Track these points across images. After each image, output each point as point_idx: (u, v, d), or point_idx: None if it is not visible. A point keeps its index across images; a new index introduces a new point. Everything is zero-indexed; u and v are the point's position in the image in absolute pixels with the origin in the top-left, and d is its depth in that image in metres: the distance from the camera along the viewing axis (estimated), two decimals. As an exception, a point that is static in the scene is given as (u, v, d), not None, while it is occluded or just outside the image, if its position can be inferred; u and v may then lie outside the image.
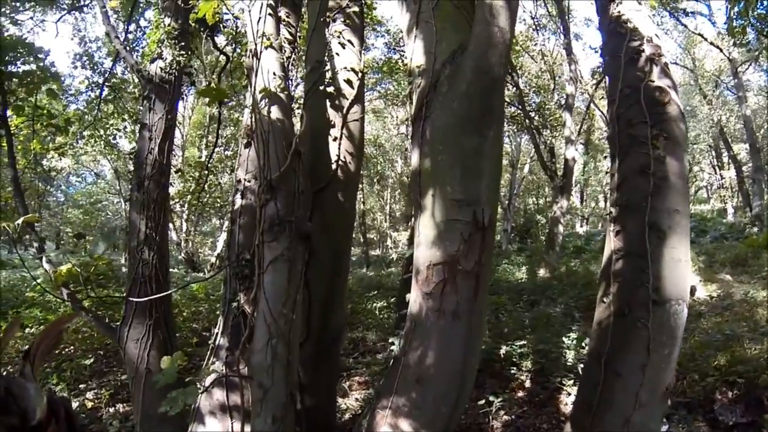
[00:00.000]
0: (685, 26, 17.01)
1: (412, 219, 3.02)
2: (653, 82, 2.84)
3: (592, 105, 18.81)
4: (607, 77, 3.35)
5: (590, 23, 19.56)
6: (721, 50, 16.33)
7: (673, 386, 2.65)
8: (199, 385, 3.01)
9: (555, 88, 17.00)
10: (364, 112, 3.56)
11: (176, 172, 8.00)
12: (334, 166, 3.21)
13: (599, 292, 2.81)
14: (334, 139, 3.26)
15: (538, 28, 15.95)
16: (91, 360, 6.64)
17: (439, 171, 2.28)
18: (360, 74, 3.46)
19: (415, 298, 2.30)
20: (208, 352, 3.40)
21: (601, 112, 21.49)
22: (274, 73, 2.69)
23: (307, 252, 2.80)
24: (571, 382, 5.61)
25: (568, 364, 6.03)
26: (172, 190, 12.81)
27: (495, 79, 2.22)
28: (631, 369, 2.49)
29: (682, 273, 2.60)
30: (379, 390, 2.39)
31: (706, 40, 16.77)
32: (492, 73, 2.18)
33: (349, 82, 3.37)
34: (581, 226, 28.99)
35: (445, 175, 2.26)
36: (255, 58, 2.83)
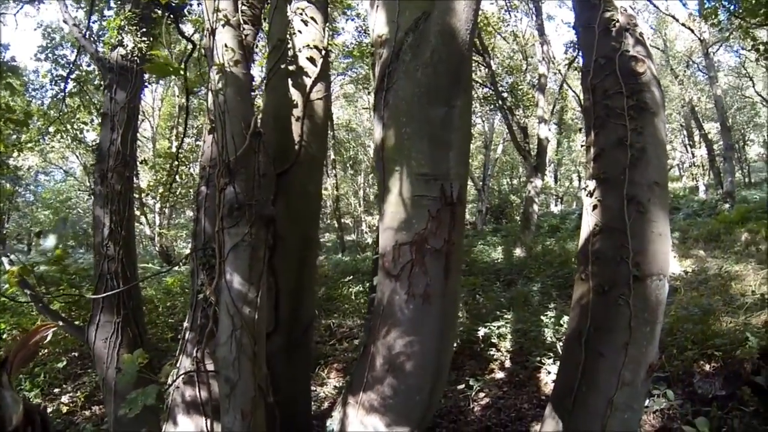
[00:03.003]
0: (657, 7, 17.03)
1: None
2: (628, 51, 2.76)
3: (564, 85, 18.91)
4: (580, 50, 3.26)
5: (563, 4, 19.57)
6: (692, 31, 16.36)
7: (657, 364, 2.56)
8: (170, 382, 2.90)
9: (527, 69, 16.96)
10: (329, 91, 3.40)
11: (141, 162, 7.80)
12: (297, 148, 3.04)
13: (578, 270, 2.71)
14: (297, 119, 3.09)
15: (509, 9, 15.82)
16: (64, 363, 6.45)
17: (403, 144, 2.14)
18: (324, 52, 3.29)
19: (381, 282, 2.16)
20: (178, 348, 3.30)
21: (574, 92, 21.72)
22: (233, 51, 2.52)
23: (271, 237, 2.66)
24: (551, 360, 5.61)
25: (547, 342, 6.04)
26: (143, 183, 12.55)
27: (461, 44, 2.08)
28: (613, 348, 2.40)
29: (663, 247, 2.52)
30: (350, 382, 2.25)
31: (677, 21, 16.79)
32: (458, 38, 2.04)
33: (312, 59, 3.20)
34: (556, 205, 29.40)
35: (411, 149, 2.11)
36: (211, 36, 2.67)
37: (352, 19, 13.67)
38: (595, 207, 2.59)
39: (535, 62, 15.53)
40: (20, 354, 1.90)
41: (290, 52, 3.19)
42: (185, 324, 3.26)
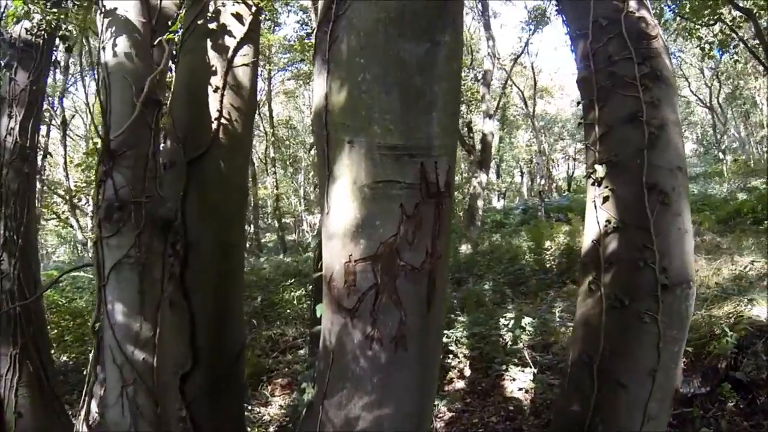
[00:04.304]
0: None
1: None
2: (634, 13, 2.26)
3: (508, 81, 19.25)
4: (562, 15, 2.80)
5: (508, 2, 20.01)
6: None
7: (680, 387, 2.09)
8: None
9: (472, 64, 16.85)
10: (258, 56, 2.72)
11: (44, 156, 6.89)
12: (215, 126, 2.34)
13: (583, 278, 2.17)
14: (215, 90, 2.39)
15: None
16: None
17: (360, 99, 1.33)
18: (254, 8, 2.60)
19: (330, 319, 1.39)
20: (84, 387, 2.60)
21: (518, 88, 22.87)
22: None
23: (180, 247, 1.98)
24: (518, 368, 5.20)
25: (510, 347, 5.61)
26: (72, 185, 11.38)
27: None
28: (637, 376, 1.91)
29: (689, 248, 2.03)
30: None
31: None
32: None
33: (238, 17, 2.49)
34: (498, 200, 30.10)
35: (372, 106, 1.31)
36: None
37: (294, 12, 12.93)
38: (605, 198, 2.04)
39: (480, 58, 15.44)
40: None
41: (212, 7, 2.50)
42: (92, 355, 2.58)
